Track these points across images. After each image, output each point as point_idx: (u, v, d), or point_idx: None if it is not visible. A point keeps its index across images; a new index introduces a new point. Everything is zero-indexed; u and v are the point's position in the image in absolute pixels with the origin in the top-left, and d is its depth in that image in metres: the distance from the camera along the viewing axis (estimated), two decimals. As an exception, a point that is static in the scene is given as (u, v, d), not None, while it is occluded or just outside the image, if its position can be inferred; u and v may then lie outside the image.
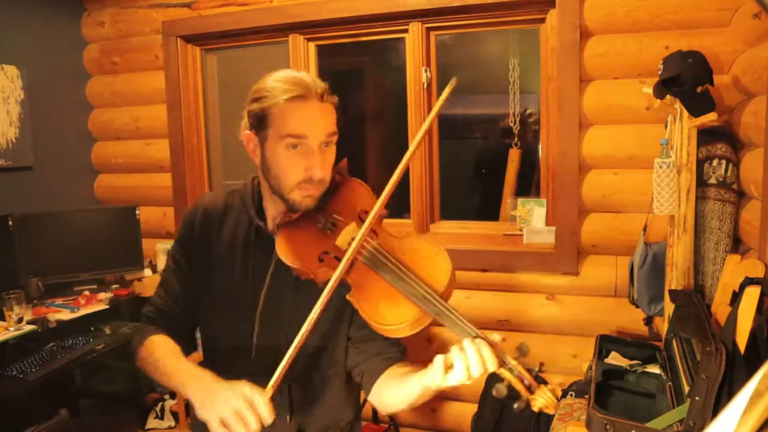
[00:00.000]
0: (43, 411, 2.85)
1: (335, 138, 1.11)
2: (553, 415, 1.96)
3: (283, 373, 0.98)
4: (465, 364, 0.88)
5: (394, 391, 1.07)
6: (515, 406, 0.88)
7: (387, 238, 1.05)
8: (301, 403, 1.19)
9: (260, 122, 1.09)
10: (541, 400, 0.86)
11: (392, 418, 2.61)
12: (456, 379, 0.89)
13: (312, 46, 2.80)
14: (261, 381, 1.00)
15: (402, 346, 1.16)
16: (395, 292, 0.97)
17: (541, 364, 0.93)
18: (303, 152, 1.07)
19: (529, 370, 0.90)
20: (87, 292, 2.69)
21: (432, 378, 0.93)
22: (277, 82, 1.08)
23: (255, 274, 1.18)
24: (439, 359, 0.92)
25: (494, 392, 0.87)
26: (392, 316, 0.95)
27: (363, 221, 1.04)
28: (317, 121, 1.07)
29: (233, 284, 1.19)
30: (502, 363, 0.88)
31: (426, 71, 2.57)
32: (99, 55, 3.16)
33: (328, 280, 1.00)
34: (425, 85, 2.58)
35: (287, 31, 2.77)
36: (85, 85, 3.21)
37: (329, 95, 1.10)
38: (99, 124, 3.22)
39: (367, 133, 3.49)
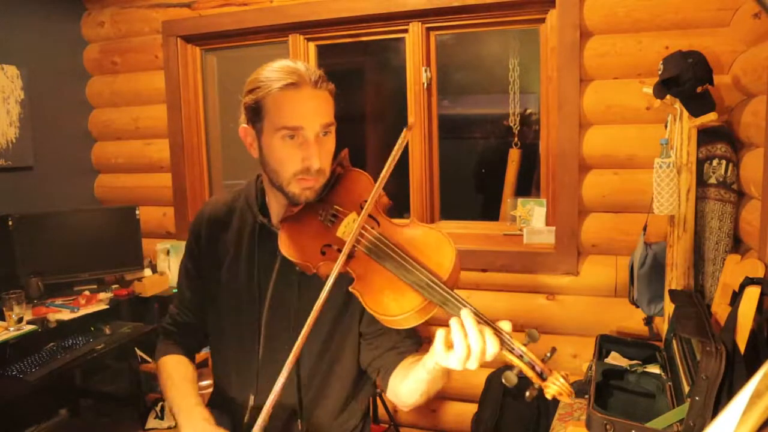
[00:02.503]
0: (43, 411, 2.85)
1: (333, 127, 1.07)
2: (554, 415, 1.96)
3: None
4: (464, 340, 0.83)
5: (406, 381, 1.04)
6: (527, 394, 0.83)
7: (388, 227, 1.01)
8: (309, 404, 1.17)
9: (255, 114, 1.06)
10: (555, 387, 0.82)
11: (392, 418, 2.61)
12: (457, 357, 0.84)
13: (312, 46, 2.80)
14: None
15: (417, 338, 1.12)
16: (398, 282, 0.92)
17: (553, 349, 0.88)
18: (299, 143, 1.03)
19: (542, 360, 0.85)
20: (87, 292, 2.69)
21: (434, 356, 0.89)
22: (270, 71, 1.04)
23: (261, 272, 1.15)
24: (439, 334, 0.88)
25: (504, 380, 0.83)
26: (396, 306, 0.90)
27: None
28: (312, 110, 1.02)
29: (240, 285, 1.17)
30: (510, 349, 0.84)
31: (426, 71, 2.57)
32: (99, 55, 3.16)
33: None
34: (425, 85, 2.58)
35: (287, 31, 2.77)
36: (85, 85, 3.21)
37: (324, 82, 1.05)
38: (99, 124, 3.22)
39: (367, 133, 3.49)
